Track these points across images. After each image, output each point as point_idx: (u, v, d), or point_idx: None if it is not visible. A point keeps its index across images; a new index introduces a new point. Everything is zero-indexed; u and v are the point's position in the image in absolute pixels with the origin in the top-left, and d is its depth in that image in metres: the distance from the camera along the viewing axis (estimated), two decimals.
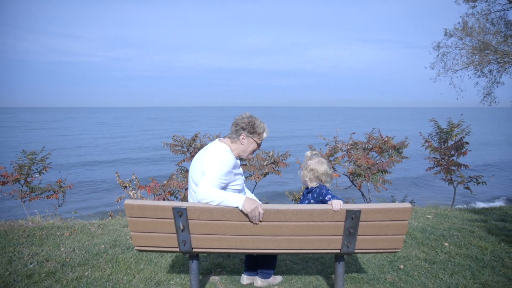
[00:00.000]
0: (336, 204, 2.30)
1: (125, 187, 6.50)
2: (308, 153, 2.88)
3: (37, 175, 5.59)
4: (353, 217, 2.25)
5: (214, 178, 2.45)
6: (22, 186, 5.46)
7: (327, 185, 2.79)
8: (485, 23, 19.22)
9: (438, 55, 21.00)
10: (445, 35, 20.22)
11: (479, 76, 20.84)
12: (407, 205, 2.29)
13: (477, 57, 20.44)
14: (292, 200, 7.58)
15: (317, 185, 2.73)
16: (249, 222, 2.29)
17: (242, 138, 2.69)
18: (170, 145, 6.95)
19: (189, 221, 2.31)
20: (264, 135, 2.78)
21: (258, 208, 2.34)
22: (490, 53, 19.80)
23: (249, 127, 2.67)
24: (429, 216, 4.98)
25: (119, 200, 6.41)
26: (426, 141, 6.23)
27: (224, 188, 2.57)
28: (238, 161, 2.78)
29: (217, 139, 2.81)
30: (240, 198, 2.38)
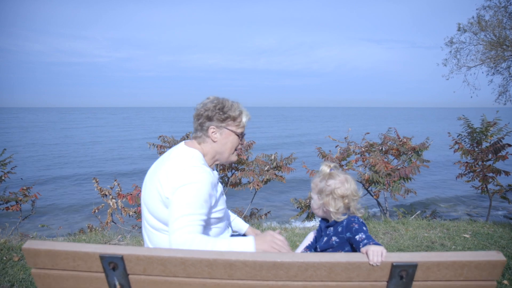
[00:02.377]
0: (375, 254, 1.36)
1: (105, 195, 5.66)
2: (325, 167, 1.82)
3: None
4: (403, 275, 1.33)
5: (190, 217, 1.58)
6: None
7: (359, 215, 1.78)
8: (503, 17, 18.15)
9: (450, 51, 19.91)
10: (459, 30, 19.15)
11: (493, 73, 19.77)
12: (495, 255, 1.35)
13: (492, 52, 19.36)
14: (298, 207, 6.70)
15: (345, 216, 1.78)
16: (227, 280, 1.39)
17: (213, 133, 1.80)
18: (157, 146, 6.09)
19: (129, 277, 1.42)
20: (244, 118, 1.87)
21: (277, 242, 1.63)
22: (508, 48, 18.67)
23: (217, 113, 1.79)
24: (466, 236, 4.05)
25: (96, 210, 5.55)
26: (456, 142, 5.28)
27: (207, 223, 1.71)
28: (216, 173, 1.88)
29: (182, 142, 1.88)
30: (247, 242, 1.61)
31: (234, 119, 1.82)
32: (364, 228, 1.69)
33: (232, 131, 1.82)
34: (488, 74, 19.24)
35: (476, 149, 5.12)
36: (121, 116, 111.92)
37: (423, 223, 4.67)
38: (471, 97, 19.92)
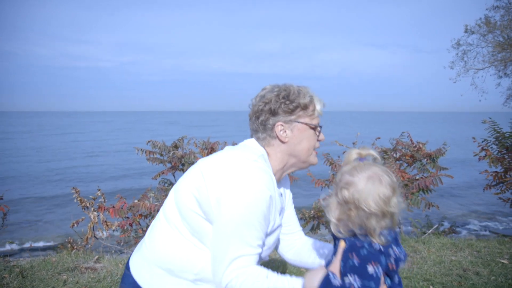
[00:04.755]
0: None
1: (86, 207, 5.05)
2: (354, 152, 1.20)
3: None
4: None
5: (244, 241, 1.17)
6: None
7: (378, 241, 1.10)
8: None
9: (457, 54, 19.29)
10: (466, 31, 18.53)
11: (501, 76, 19.12)
12: None
13: (501, 54, 18.73)
14: (301, 219, 6.08)
15: (351, 235, 1.14)
16: None
17: (281, 131, 1.34)
18: (146, 152, 5.48)
19: None
20: (318, 106, 1.39)
21: None
22: None
23: (283, 104, 1.33)
24: (504, 261, 3.40)
25: (75, 224, 4.95)
26: (483, 149, 4.64)
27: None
28: (278, 191, 1.38)
29: (228, 147, 1.44)
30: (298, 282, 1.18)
31: (305, 107, 1.37)
32: (365, 271, 1.05)
33: (306, 124, 1.37)
34: (496, 77, 18.60)
35: (507, 157, 4.48)
36: (125, 120, 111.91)
37: (446, 242, 4.03)
38: (480, 100, 19.28)
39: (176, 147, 5.35)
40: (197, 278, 1.26)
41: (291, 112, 1.34)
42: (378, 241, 1.10)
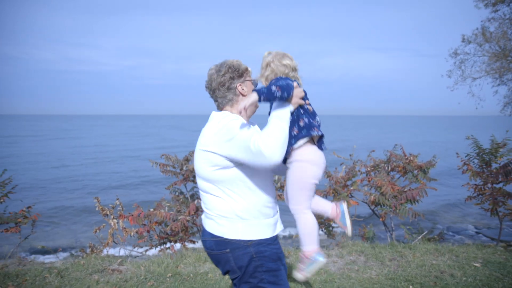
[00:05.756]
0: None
1: (106, 214, 5.56)
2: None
3: None
4: None
5: (249, 133, 1.73)
6: None
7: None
8: (507, 28, 18.03)
9: (455, 63, 19.77)
10: (463, 41, 19.04)
11: (499, 84, 19.59)
12: None
13: (497, 64, 19.21)
14: None
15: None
16: None
17: (241, 89, 1.93)
18: (160, 165, 6.01)
19: None
20: (249, 69, 1.99)
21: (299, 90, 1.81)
22: None
23: (235, 72, 1.92)
24: (477, 265, 3.90)
25: (98, 230, 5.46)
26: (465, 163, 5.15)
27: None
28: None
29: (213, 112, 1.98)
30: (287, 104, 1.77)
31: (246, 71, 1.95)
32: (280, 79, 1.79)
33: (250, 80, 1.96)
34: (493, 86, 19.07)
35: (486, 171, 4.98)
36: (128, 124, 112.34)
37: (430, 248, 4.53)
38: (476, 108, 19.75)
39: (187, 160, 5.88)
40: (238, 215, 1.80)
41: (241, 76, 1.91)
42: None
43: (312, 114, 1.82)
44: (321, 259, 1.81)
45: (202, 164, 1.82)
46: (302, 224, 1.80)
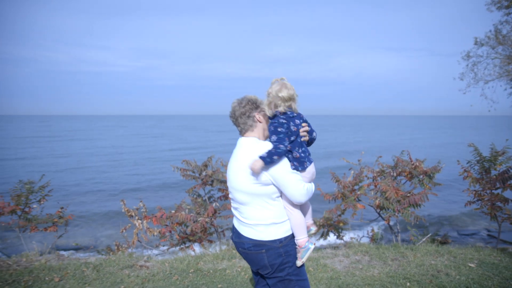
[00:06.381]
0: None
1: (131, 216, 6.07)
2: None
3: (34, 206, 5.21)
4: None
5: (293, 173, 2.21)
6: (20, 217, 5.10)
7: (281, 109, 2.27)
8: None
9: (467, 65, 19.80)
10: (475, 44, 19.07)
11: (511, 87, 19.53)
12: None
13: (510, 67, 19.18)
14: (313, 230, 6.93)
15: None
16: None
17: (258, 117, 2.35)
18: (180, 170, 6.49)
19: None
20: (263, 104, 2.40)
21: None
22: None
23: (254, 104, 2.37)
24: (471, 265, 4.24)
25: (124, 230, 5.96)
26: (465, 170, 5.47)
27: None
28: None
29: (240, 139, 2.39)
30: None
31: (261, 104, 2.37)
32: (279, 129, 2.21)
33: (264, 111, 2.36)
34: (506, 88, 19.05)
35: (485, 178, 5.29)
36: (142, 125, 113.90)
37: (431, 249, 4.88)
38: (489, 111, 19.75)
39: (206, 165, 6.34)
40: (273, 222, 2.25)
41: (257, 107, 2.33)
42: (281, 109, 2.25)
43: (302, 144, 2.29)
44: (312, 246, 2.31)
45: (245, 180, 2.21)
46: (294, 220, 2.27)
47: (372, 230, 7.00)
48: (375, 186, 6.05)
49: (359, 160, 6.94)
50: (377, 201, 5.49)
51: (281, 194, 2.27)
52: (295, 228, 2.29)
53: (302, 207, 2.34)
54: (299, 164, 2.23)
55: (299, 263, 2.31)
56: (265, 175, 2.18)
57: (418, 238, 6.62)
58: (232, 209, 2.44)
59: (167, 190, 15.72)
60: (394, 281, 3.88)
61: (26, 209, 5.16)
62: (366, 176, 6.26)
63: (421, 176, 6.43)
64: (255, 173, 2.15)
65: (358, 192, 5.97)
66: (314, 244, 2.36)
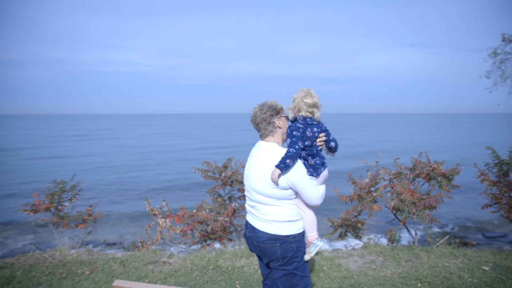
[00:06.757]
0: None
1: (154, 214, 6.38)
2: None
3: (66, 204, 5.61)
4: None
5: (310, 179, 2.39)
6: (53, 214, 5.50)
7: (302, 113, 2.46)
8: None
9: (494, 63, 19.27)
10: (503, 40, 18.51)
11: None
12: None
13: None
14: (330, 226, 7.07)
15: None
16: None
17: (278, 122, 2.49)
18: (201, 171, 6.76)
19: None
20: (283, 109, 2.56)
21: None
22: None
23: (274, 110, 2.50)
24: (486, 268, 4.29)
25: (148, 228, 6.29)
26: (482, 173, 5.47)
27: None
28: None
29: (260, 142, 2.55)
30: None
31: (281, 110, 2.54)
32: (294, 133, 2.37)
33: (284, 117, 2.55)
34: None
35: (503, 181, 5.28)
36: (167, 123, 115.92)
37: (446, 252, 4.93)
38: None
39: (225, 167, 6.59)
40: (290, 219, 2.44)
41: (278, 113, 2.47)
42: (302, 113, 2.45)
43: (318, 153, 2.45)
44: (321, 243, 2.52)
45: (264, 184, 2.38)
46: (306, 218, 2.49)
47: (390, 231, 7.05)
48: (392, 188, 6.11)
49: (376, 162, 7.01)
50: (392, 203, 5.57)
51: (297, 195, 2.45)
52: (308, 225, 2.50)
53: (307, 218, 2.52)
54: (314, 171, 2.40)
55: (307, 257, 2.50)
56: (284, 181, 2.34)
57: (436, 240, 6.64)
58: (247, 206, 2.62)
59: (192, 190, 16.10)
60: (405, 281, 3.99)
61: (59, 207, 5.55)
62: (382, 178, 6.34)
63: (439, 178, 6.45)
64: (275, 182, 2.32)
65: (374, 194, 6.06)
66: (323, 241, 2.56)
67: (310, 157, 2.40)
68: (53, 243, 6.79)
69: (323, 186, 2.50)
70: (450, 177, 6.47)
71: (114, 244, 7.07)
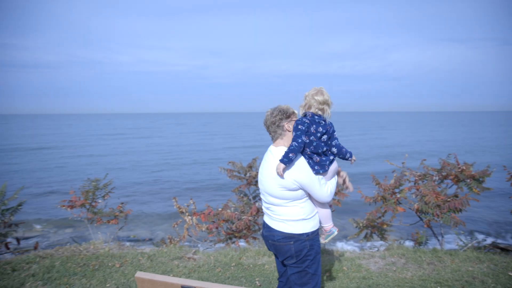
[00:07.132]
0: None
1: (182, 212, 6.65)
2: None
3: (99, 201, 5.98)
4: None
5: (317, 178, 2.49)
6: (88, 210, 5.88)
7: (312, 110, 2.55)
8: None
9: None
10: None
11: None
12: None
13: None
14: (356, 227, 7.07)
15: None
16: None
17: (287, 126, 2.54)
18: (227, 171, 6.96)
19: None
20: (295, 113, 2.61)
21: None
22: None
23: (284, 114, 2.56)
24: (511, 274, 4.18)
25: (176, 225, 6.56)
26: None
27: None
28: None
29: (271, 147, 2.65)
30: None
31: (293, 113, 2.59)
32: (299, 127, 2.46)
33: (294, 121, 2.59)
34: None
35: None
36: (199, 122, 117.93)
37: (472, 256, 4.82)
38: None
39: (250, 167, 6.75)
40: (303, 218, 2.56)
41: (288, 117, 2.53)
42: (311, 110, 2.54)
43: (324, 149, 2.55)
44: (335, 231, 2.72)
45: (276, 187, 2.48)
46: (321, 211, 2.65)
47: (417, 233, 6.94)
48: (417, 189, 6.03)
49: (402, 163, 6.93)
50: (416, 205, 5.50)
51: (309, 195, 2.57)
52: (323, 217, 2.66)
53: (321, 212, 2.66)
54: (320, 168, 2.49)
55: (322, 240, 2.69)
56: (293, 183, 2.45)
57: (465, 242, 6.48)
58: (263, 207, 2.74)
59: (222, 190, 16.43)
60: (425, 284, 3.97)
61: (93, 204, 5.92)
62: (407, 179, 6.26)
63: (468, 180, 6.29)
64: (280, 176, 2.42)
65: (399, 195, 6.00)
66: (338, 230, 2.73)
67: (315, 155, 2.49)
68: (88, 237, 7.24)
69: (333, 181, 2.59)
70: (480, 179, 6.29)
71: (143, 240, 7.43)
